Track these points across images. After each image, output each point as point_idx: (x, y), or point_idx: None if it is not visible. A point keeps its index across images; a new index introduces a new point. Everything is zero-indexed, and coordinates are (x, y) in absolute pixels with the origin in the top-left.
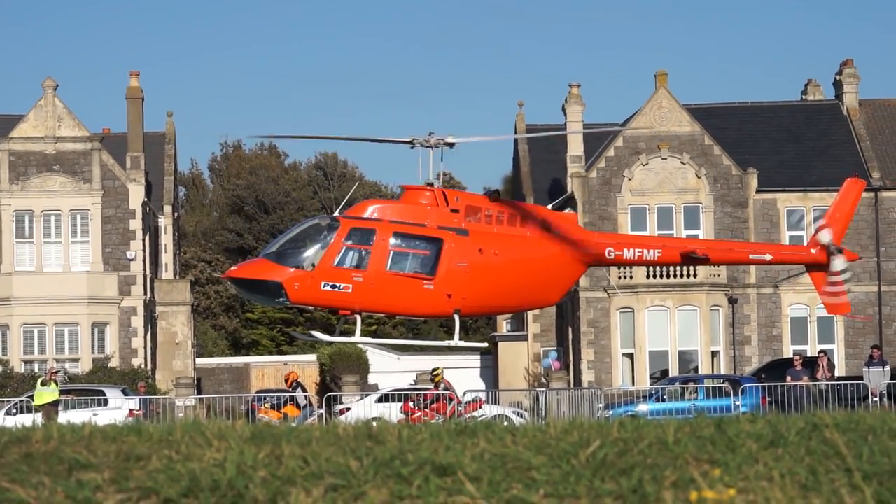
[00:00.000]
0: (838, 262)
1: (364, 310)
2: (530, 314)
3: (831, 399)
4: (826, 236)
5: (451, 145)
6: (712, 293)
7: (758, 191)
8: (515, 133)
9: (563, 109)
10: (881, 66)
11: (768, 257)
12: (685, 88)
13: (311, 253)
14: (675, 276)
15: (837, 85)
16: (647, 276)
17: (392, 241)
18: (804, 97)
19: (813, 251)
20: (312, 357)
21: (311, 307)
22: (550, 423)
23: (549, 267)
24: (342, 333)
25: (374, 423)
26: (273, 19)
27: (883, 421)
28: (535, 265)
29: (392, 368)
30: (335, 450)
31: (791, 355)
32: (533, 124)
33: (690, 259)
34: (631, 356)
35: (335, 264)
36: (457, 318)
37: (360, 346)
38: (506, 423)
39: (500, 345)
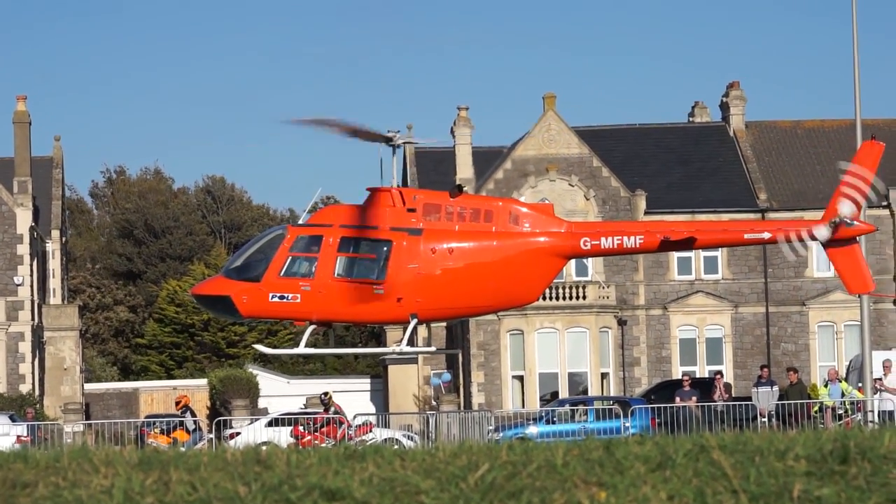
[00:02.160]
0: (848, 214)
1: (316, 319)
2: (420, 337)
3: (720, 420)
4: (847, 208)
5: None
6: (602, 315)
7: (646, 212)
8: (405, 159)
9: (452, 132)
10: (767, 87)
11: (766, 235)
12: (573, 111)
13: (259, 265)
14: (564, 298)
15: (724, 107)
16: (540, 300)
17: (339, 246)
18: (691, 119)
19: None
20: (203, 381)
21: (263, 320)
22: (439, 447)
23: (517, 262)
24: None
25: (263, 448)
26: (159, 43)
27: (770, 442)
28: (499, 262)
29: (282, 392)
30: (223, 475)
31: (680, 376)
32: (421, 147)
33: (673, 244)
34: (521, 378)
35: (282, 274)
36: (412, 322)
37: (292, 357)
38: (396, 447)
39: (391, 368)
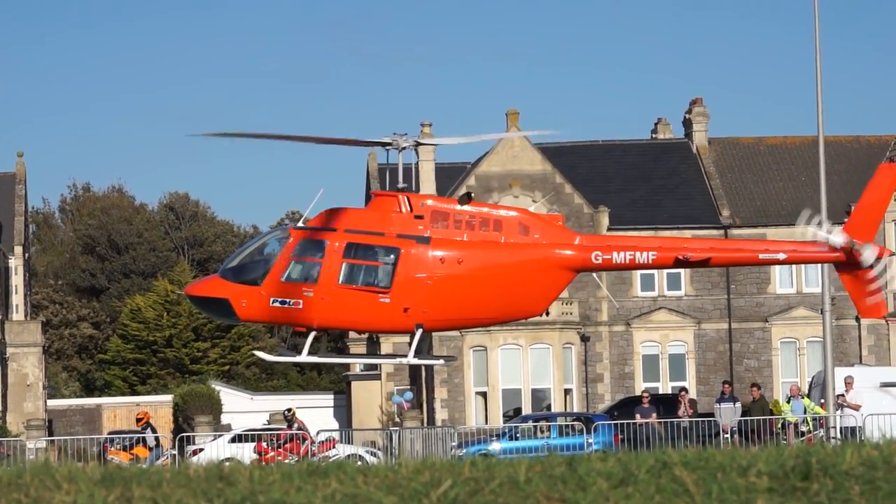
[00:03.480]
0: (868, 255)
1: (318, 326)
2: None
3: (684, 436)
4: (839, 238)
5: (418, 146)
6: (565, 331)
7: (609, 228)
8: (368, 172)
9: (416, 148)
10: (731, 104)
11: (782, 256)
12: (536, 127)
13: (259, 267)
14: None
15: (687, 123)
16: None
17: (345, 252)
18: (654, 135)
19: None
20: (167, 398)
21: (261, 324)
22: (402, 463)
23: (526, 274)
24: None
25: (226, 464)
26: (120, 60)
27: (732, 458)
28: (509, 273)
29: (246, 408)
30: (186, 491)
31: (643, 392)
32: (385, 164)
33: (687, 263)
34: (484, 394)
35: (284, 279)
36: (418, 333)
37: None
38: (359, 463)
39: (354, 384)
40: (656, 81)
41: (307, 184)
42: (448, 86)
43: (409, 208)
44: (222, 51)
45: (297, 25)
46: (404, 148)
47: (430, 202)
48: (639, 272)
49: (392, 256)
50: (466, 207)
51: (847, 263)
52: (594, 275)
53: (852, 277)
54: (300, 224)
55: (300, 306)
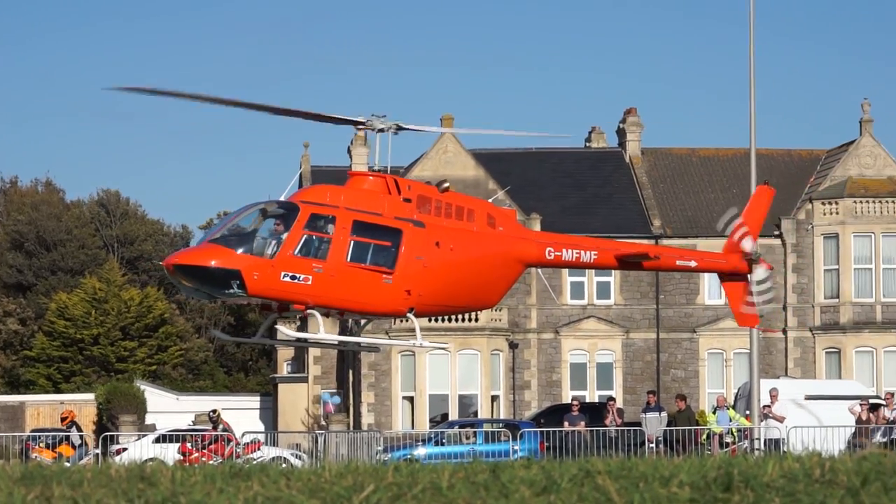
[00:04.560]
0: (760, 272)
1: (320, 304)
2: (311, 355)
3: (611, 445)
4: (749, 244)
5: (399, 130)
6: (493, 338)
7: None
8: (301, 174)
9: (349, 151)
10: (664, 115)
11: (693, 264)
12: (471, 134)
13: (270, 239)
14: (456, 319)
15: (621, 133)
16: (429, 320)
17: (353, 229)
18: (588, 144)
19: (736, 259)
20: (90, 396)
21: (268, 300)
22: (326, 467)
23: (494, 265)
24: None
25: (149, 465)
26: (54, 52)
27: (655, 468)
28: (485, 262)
29: (171, 409)
30: (107, 491)
31: (570, 400)
32: (318, 166)
33: (626, 263)
34: (411, 399)
35: (296, 253)
36: (413, 317)
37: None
38: (283, 466)
39: (280, 386)
40: (592, 91)
41: (239, 185)
42: (383, 90)
43: (397, 190)
44: (156, 44)
45: (233, 23)
46: (381, 129)
47: (414, 187)
48: (569, 280)
49: (397, 238)
50: (444, 195)
51: (735, 274)
52: (539, 270)
53: (735, 287)
54: (282, 199)
55: (310, 282)
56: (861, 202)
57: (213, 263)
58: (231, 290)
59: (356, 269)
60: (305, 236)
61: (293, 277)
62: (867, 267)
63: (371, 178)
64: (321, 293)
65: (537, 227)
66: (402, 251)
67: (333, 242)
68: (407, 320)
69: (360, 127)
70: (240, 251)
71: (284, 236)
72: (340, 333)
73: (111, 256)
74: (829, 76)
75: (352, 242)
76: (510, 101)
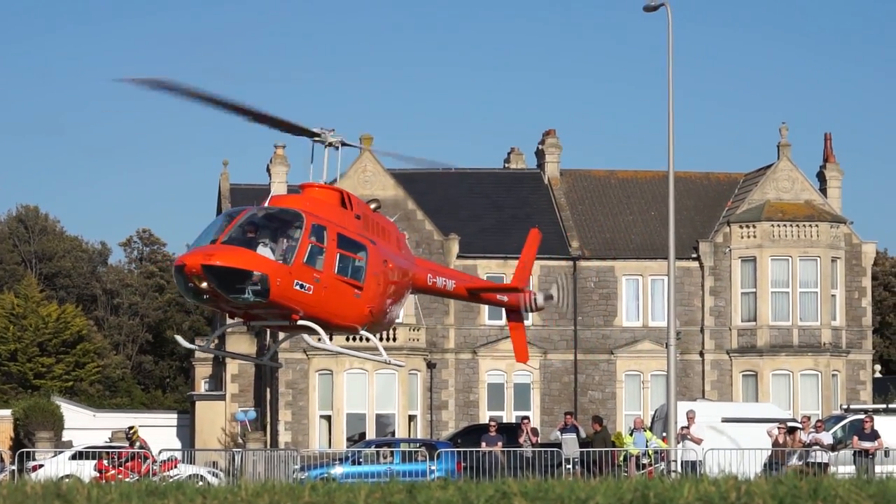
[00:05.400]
0: (540, 299)
1: (311, 315)
2: (229, 373)
3: (527, 465)
4: (551, 293)
5: (343, 146)
6: (411, 357)
7: (458, 256)
8: (220, 191)
9: (268, 170)
10: (583, 137)
11: (505, 298)
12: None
13: (284, 245)
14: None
15: (540, 154)
16: (347, 339)
17: (338, 242)
18: (507, 165)
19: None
20: (7, 412)
21: (282, 308)
22: (242, 485)
23: (406, 287)
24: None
25: (65, 482)
26: None
27: (571, 490)
28: (403, 285)
29: (88, 425)
30: None
31: (487, 421)
32: (237, 184)
33: (475, 296)
34: (328, 418)
35: (305, 261)
36: (372, 333)
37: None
38: (200, 484)
39: (198, 404)
40: (511, 112)
41: (158, 202)
42: (303, 108)
43: (350, 206)
44: (79, 58)
45: (150, 38)
46: (331, 144)
47: (357, 204)
48: None
49: (364, 253)
50: (375, 214)
51: (519, 312)
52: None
53: (520, 325)
54: (265, 205)
55: (311, 292)
56: (778, 226)
57: (239, 265)
58: (248, 297)
59: (340, 282)
60: (311, 246)
61: (301, 286)
62: (784, 290)
63: (332, 191)
64: (316, 303)
65: (455, 247)
66: (368, 267)
67: (327, 254)
68: (357, 338)
69: (316, 140)
70: (267, 256)
71: (298, 243)
72: (258, 350)
73: (29, 272)
74: (747, 100)
75: (338, 255)
76: (429, 121)
